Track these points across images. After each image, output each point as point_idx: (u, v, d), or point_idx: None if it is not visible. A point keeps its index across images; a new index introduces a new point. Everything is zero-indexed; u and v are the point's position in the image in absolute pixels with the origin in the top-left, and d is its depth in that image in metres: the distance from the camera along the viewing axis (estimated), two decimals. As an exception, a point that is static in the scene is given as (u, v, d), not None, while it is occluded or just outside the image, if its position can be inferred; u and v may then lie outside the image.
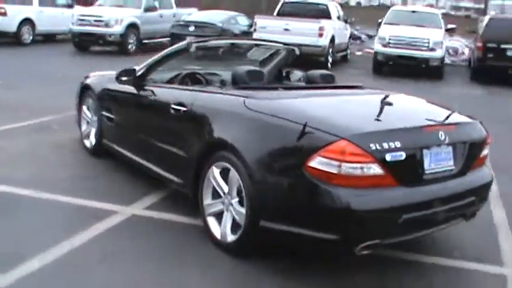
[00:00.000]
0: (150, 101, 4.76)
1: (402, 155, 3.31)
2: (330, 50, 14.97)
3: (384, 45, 14.62)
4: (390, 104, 3.97)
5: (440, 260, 3.92)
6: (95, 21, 15.03)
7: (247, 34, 16.16)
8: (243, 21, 16.99)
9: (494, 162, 5.22)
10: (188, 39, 5.04)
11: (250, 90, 4.07)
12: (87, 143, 5.86)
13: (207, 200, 3.93)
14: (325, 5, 15.57)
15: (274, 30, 14.02)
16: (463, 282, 3.74)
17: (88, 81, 5.87)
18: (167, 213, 4.39)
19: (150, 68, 4.95)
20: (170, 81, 5.15)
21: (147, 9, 16.22)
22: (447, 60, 16.45)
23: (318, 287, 3.44)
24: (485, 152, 3.94)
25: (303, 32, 13.96)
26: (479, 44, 14.35)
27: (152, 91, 4.77)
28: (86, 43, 15.68)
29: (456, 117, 3.87)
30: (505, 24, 14.63)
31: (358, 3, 33.13)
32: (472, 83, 14.50)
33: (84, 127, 5.96)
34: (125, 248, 3.75)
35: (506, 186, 5.53)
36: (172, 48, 4.96)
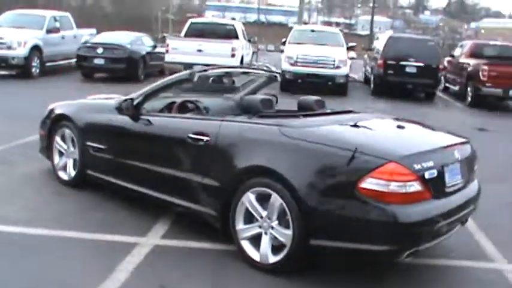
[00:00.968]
0: (157, 131, 4.76)
1: (434, 173, 3.74)
2: (240, 70, 15.36)
3: (292, 64, 15.21)
4: (403, 127, 4.37)
5: (439, 261, 4.37)
6: (-4, 43, 14.20)
7: (152, 54, 16.13)
8: (148, 42, 16.90)
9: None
10: (192, 68, 5.09)
11: (271, 118, 4.26)
12: (63, 175, 5.66)
13: (240, 225, 4.05)
14: (232, 25, 15.98)
15: (187, 51, 14.17)
16: (466, 277, 4.25)
17: (62, 110, 5.68)
18: (186, 240, 4.42)
19: (148, 97, 4.95)
20: (162, 110, 5.17)
21: (49, 31, 15.59)
22: None
23: None
24: (476, 166, 4.46)
25: (216, 53, 14.22)
26: (380, 62, 15.46)
27: (157, 120, 4.78)
28: (-15, 67, 14.73)
29: (457, 138, 4.34)
30: (403, 43, 15.90)
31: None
32: (375, 98, 15.56)
33: (56, 158, 5.74)
34: (173, 278, 3.77)
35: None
36: (173, 77, 5.00)
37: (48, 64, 15.61)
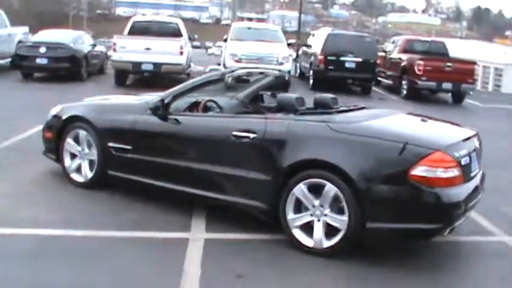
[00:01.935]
0: (193, 130, 4.96)
1: (467, 160, 4.27)
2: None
3: (237, 61, 15.48)
4: (426, 121, 4.87)
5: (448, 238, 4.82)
6: None
7: (92, 53, 15.89)
8: (88, 40, 16.63)
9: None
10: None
11: (311, 115, 4.63)
12: (77, 177, 5.67)
13: (290, 215, 4.36)
14: (176, 24, 15.98)
15: (135, 50, 14.05)
16: (477, 250, 4.84)
17: (76, 112, 5.70)
18: (231, 233, 4.66)
19: (177, 97, 5.13)
20: (185, 109, 5.36)
21: (-17, 30, 14.99)
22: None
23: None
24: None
25: (164, 51, 14.21)
26: (321, 57, 16.10)
27: (191, 120, 5.01)
28: None
29: (471, 130, 4.87)
30: (342, 39, 16.64)
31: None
32: (315, 92, 16.07)
33: (68, 161, 5.75)
34: (243, 267, 4.02)
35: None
36: (204, 78, 5.20)
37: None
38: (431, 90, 15.87)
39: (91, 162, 5.61)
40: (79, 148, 5.68)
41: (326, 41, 16.33)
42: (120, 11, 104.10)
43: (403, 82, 16.14)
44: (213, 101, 5.56)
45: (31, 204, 5.11)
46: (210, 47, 56.76)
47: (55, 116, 5.92)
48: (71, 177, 5.73)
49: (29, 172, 6.05)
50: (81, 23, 60.02)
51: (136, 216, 4.95)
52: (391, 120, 4.70)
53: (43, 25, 19.50)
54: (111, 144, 5.37)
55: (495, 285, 4.18)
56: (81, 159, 5.69)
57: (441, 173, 4.01)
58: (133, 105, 5.53)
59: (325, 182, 4.18)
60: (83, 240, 4.38)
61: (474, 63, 16.03)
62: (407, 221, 4.07)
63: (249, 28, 18.07)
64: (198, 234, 4.60)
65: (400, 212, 4.07)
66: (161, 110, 5.06)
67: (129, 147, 5.26)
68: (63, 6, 72.95)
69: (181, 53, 14.50)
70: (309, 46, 18.58)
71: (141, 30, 15.15)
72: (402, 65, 16.34)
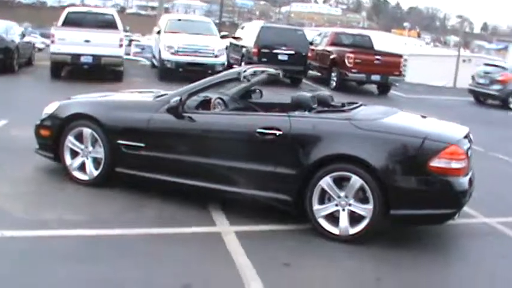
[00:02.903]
0: (213, 127, 5.18)
1: (469, 153, 4.82)
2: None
3: (173, 54, 15.52)
4: (425, 117, 5.41)
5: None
6: None
7: (22, 44, 15.30)
8: (18, 30, 15.96)
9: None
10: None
11: (329, 113, 5.04)
12: (80, 175, 5.68)
13: (316, 206, 4.74)
14: (112, 15, 15.69)
15: (74, 41, 13.74)
16: (465, 231, 5.43)
17: (79, 110, 5.70)
18: (257, 225, 4.96)
19: (192, 95, 5.32)
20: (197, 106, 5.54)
21: None
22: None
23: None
24: None
25: (104, 43, 13.99)
26: (255, 50, 16.50)
27: (208, 117, 5.26)
28: None
29: (465, 127, 5.43)
30: (275, 32, 17.10)
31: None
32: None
33: (68, 159, 5.74)
34: (288, 256, 4.35)
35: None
36: (221, 76, 5.43)
37: None
38: (360, 82, 16.76)
39: (95, 160, 5.66)
40: (82, 146, 5.68)
41: (259, 34, 16.74)
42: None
43: (333, 74, 16.91)
44: (221, 99, 5.78)
45: (45, 204, 5.11)
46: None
47: (52, 114, 5.87)
48: (73, 175, 5.73)
49: (20, 171, 5.98)
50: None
51: (158, 213, 5.10)
52: (401, 117, 5.19)
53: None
54: (121, 141, 5.44)
55: (495, 261, 4.80)
56: (84, 157, 5.70)
57: (455, 164, 4.56)
58: (145, 102, 5.64)
59: (351, 174, 4.60)
60: (124, 238, 4.50)
61: (401, 56, 17.11)
62: (426, 207, 4.59)
63: (179, 20, 18.09)
64: (225, 228, 4.85)
65: (420, 200, 4.58)
66: (179, 108, 5.22)
67: (142, 144, 5.36)
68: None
69: (121, 45, 14.37)
70: (238, 38, 18.89)
71: (76, 21, 14.74)
72: (332, 57, 17.10)
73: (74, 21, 14.69)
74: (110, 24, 15.00)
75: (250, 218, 5.06)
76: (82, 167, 5.71)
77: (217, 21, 29.09)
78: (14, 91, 12.41)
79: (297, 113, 5.09)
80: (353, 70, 16.08)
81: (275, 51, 16.58)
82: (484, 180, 5.97)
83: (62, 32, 13.82)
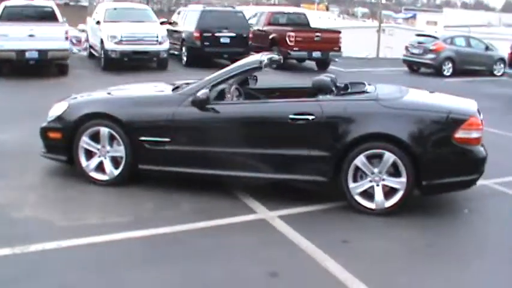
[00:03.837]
0: (244, 116, 5.33)
1: (483, 124, 5.30)
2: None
3: (117, 43, 15.21)
4: (433, 92, 5.82)
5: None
6: None
7: None
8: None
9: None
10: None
11: (353, 95, 5.37)
12: (99, 175, 5.64)
13: (351, 184, 5.06)
14: (51, 7, 15.12)
15: (18, 37, 13.18)
16: (478, 191, 5.83)
17: (95, 109, 5.64)
18: (294, 208, 5.16)
19: (215, 86, 5.42)
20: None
21: None
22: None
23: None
24: None
25: (49, 37, 13.50)
26: (197, 34, 16.46)
27: (237, 107, 5.46)
28: None
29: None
30: (215, 15, 17.09)
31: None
32: (189, 68, 16.22)
33: (83, 160, 5.66)
34: (344, 234, 4.64)
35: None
36: (242, 66, 5.55)
37: None
38: (301, 59, 17.17)
39: (113, 159, 5.64)
40: (98, 146, 5.64)
41: (200, 18, 16.70)
42: None
43: (275, 53, 17.16)
44: (237, 88, 5.91)
45: (80, 209, 5.07)
46: None
47: (61, 115, 5.77)
48: (91, 176, 5.68)
49: (34, 177, 5.88)
50: None
51: (193, 207, 5.18)
52: (417, 95, 5.60)
53: None
54: (143, 138, 5.45)
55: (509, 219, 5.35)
56: (101, 157, 5.65)
57: (475, 134, 5.04)
58: (165, 96, 5.66)
59: (384, 151, 4.93)
60: (176, 235, 4.56)
61: (339, 32, 17.62)
62: (453, 175, 5.06)
63: (115, 9, 17.65)
64: (267, 214, 5.04)
65: (447, 169, 5.03)
66: (208, 101, 5.28)
67: (167, 139, 5.41)
68: None
69: (67, 38, 13.96)
70: (174, 24, 18.73)
71: (15, 15, 14.16)
72: (271, 37, 17.38)
73: (12, 15, 14.11)
74: (50, 17, 14.53)
75: (283, 202, 5.25)
76: (99, 167, 5.68)
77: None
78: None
79: (327, 96, 5.31)
80: (295, 48, 16.45)
81: (217, 34, 16.63)
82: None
83: (3, 27, 13.19)
